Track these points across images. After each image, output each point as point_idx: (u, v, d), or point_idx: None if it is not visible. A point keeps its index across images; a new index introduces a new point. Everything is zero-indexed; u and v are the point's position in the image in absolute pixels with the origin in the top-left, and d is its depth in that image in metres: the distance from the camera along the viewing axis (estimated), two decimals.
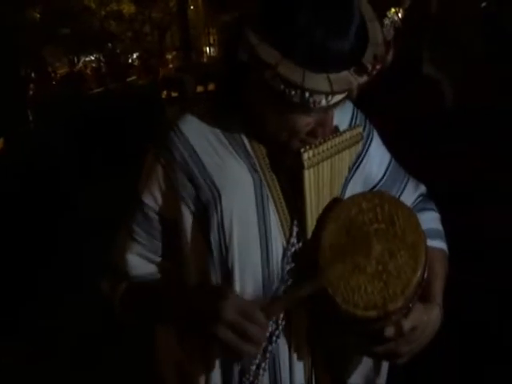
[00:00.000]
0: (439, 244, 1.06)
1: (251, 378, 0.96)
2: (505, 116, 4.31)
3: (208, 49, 27.17)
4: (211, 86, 10.52)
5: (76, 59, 22.87)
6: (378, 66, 0.81)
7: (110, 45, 22.63)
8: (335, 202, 0.97)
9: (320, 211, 0.96)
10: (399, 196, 1.09)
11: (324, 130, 0.90)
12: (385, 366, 1.02)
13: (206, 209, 0.94)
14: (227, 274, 0.93)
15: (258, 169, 0.96)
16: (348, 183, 1.02)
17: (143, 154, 1.02)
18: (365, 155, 1.06)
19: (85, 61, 23.30)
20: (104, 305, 1.06)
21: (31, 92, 12.89)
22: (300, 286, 0.90)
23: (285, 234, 0.95)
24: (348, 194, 1.01)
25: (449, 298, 1.00)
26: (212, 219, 0.93)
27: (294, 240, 0.95)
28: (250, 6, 0.84)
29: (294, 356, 0.97)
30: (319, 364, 0.99)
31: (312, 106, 0.82)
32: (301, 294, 0.89)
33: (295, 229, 0.96)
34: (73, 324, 3.16)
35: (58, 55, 21.68)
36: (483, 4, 6.80)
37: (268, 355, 0.96)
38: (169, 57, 22.95)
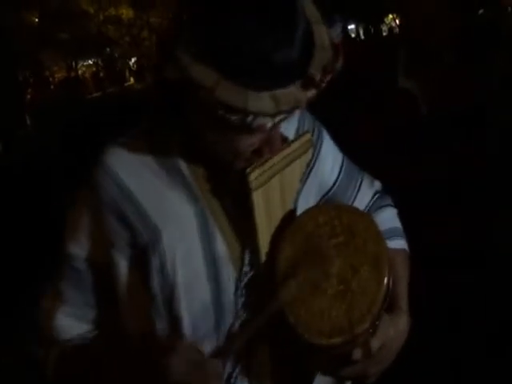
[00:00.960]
0: (399, 243, 1.00)
1: None
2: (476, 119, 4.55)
3: None
4: None
5: (74, 63, 22.90)
6: (327, 77, 0.71)
7: (108, 49, 22.67)
8: (289, 220, 0.89)
9: (273, 231, 0.87)
10: (356, 195, 1.03)
11: (271, 149, 0.80)
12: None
13: (144, 252, 0.82)
14: (175, 320, 0.83)
15: (200, 197, 0.85)
16: (300, 195, 0.93)
17: None
18: (316, 161, 0.96)
19: (83, 65, 23.35)
20: None
21: (29, 96, 12.90)
22: (256, 316, 0.82)
23: (235, 263, 0.85)
24: (301, 205, 0.92)
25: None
26: (152, 263, 0.82)
27: (246, 268, 0.86)
28: (180, 19, 0.72)
29: None
30: None
31: (256, 128, 0.72)
32: (258, 325, 0.81)
33: (247, 256, 0.86)
34: None
35: (55, 59, 21.70)
36: (480, 11, 6.86)
37: None
38: None
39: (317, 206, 0.93)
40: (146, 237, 0.83)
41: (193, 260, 0.83)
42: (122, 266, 0.84)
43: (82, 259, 0.87)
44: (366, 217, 0.88)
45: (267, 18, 0.68)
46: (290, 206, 0.90)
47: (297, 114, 0.89)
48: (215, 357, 0.81)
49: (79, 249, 0.87)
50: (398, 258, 0.94)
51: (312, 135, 0.95)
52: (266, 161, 0.82)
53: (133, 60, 24.35)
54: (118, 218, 0.83)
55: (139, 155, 0.85)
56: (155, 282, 0.82)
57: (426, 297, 2.13)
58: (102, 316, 0.91)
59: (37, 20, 18.60)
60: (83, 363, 0.89)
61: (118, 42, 22.90)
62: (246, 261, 0.86)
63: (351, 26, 14.42)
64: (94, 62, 23.08)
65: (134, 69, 22.49)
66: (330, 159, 0.99)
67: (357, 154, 1.10)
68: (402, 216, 1.04)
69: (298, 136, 0.91)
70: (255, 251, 0.85)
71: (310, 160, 0.94)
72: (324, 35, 0.72)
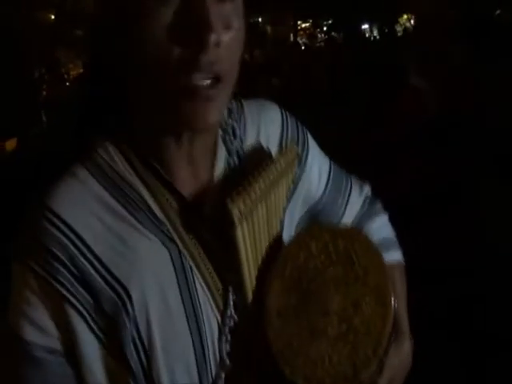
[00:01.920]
0: (395, 255, 0.95)
1: None
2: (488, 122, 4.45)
3: None
4: None
5: None
6: None
7: None
8: (277, 250, 0.79)
9: (260, 265, 0.77)
10: (346, 204, 0.96)
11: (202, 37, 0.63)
12: None
13: (113, 318, 0.69)
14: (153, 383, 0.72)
15: (173, 235, 0.73)
16: (285, 213, 0.85)
17: None
18: (302, 173, 0.88)
19: None
20: None
21: (44, 93, 13.01)
22: (245, 369, 0.74)
23: (218, 307, 0.75)
24: (287, 223, 0.85)
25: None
26: (124, 330, 0.69)
27: (230, 311, 0.76)
28: None
29: None
30: None
31: None
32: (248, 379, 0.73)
33: (231, 297, 0.76)
34: None
35: (71, 57, 21.87)
36: (497, 12, 6.81)
37: None
38: None
39: (308, 230, 0.82)
40: (113, 299, 0.69)
41: (171, 314, 0.72)
42: (87, 343, 0.69)
43: (44, 349, 0.69)
44: (363, 237, 0.79)
45: None
46: (276, 231, 0.82)
47: (278, 115, 0.87)
48: None
49: (39, 335, 0.69)
50: (396, 274, 0.88)
51: (297, 144, 0.88)
52: (250, 185, 0.74)
53: None
54: (77, 280, 0.68)
55: (94, 193, 0.71)
56: (131, 351, 0.70)
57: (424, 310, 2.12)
58: None
59: (53, 18, 18.78)
60: None
61: None
62: (231, 302, 0.76)
63: (365, 26, 14.37)
64: None
65: None
66: (317, 169, 0.92)
67: (367, 154, 1.11)
68: (399, 218, 1.03)
69: (282, 151, 0.84)
70: (240, 290, 0.76)
71: (296, 172, 0.87)
72: None
